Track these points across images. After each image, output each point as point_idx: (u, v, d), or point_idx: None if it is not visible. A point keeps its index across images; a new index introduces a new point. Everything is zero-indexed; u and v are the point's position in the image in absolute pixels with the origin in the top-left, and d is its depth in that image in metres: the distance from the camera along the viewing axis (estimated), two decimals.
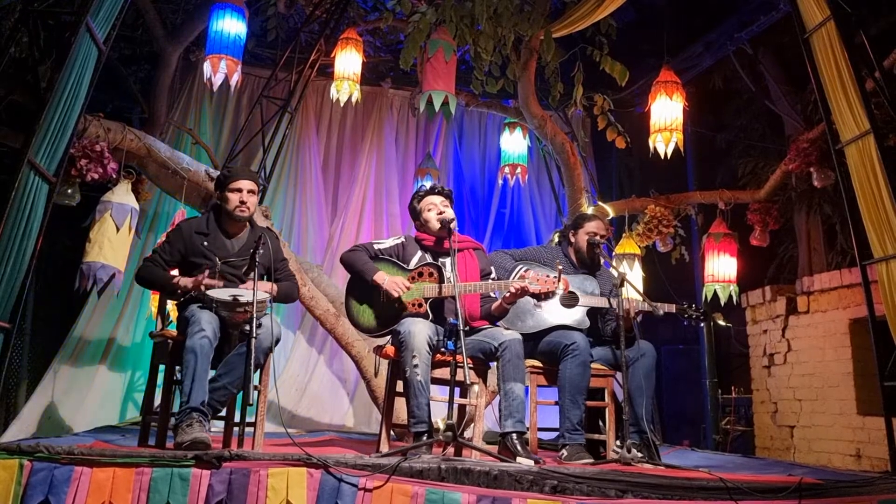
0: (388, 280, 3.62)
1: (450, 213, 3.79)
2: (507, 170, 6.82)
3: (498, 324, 3.81)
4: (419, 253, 3.81)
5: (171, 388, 3.45)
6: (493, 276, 3.89)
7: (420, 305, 3.63)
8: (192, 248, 3.55)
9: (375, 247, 3.80)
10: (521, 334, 3.69)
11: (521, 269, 3.88)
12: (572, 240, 4.21)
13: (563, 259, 4.18)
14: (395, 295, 3.58)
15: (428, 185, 4.54)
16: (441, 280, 3.64)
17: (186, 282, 3.46)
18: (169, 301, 3.67)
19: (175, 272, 3.59)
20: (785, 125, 6.85)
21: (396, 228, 7.29)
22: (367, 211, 7.36)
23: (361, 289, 3.71)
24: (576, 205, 6.02)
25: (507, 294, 3.60)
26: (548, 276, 3.52)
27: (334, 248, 7.04)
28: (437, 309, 3.70)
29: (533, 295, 3.55)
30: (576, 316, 4.01)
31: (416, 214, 3.89)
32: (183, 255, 3.57)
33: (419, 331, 3.41)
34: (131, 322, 6.36)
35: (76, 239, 5.25)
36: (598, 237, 4.13)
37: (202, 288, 3.38)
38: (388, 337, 3.70)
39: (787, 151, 5.78)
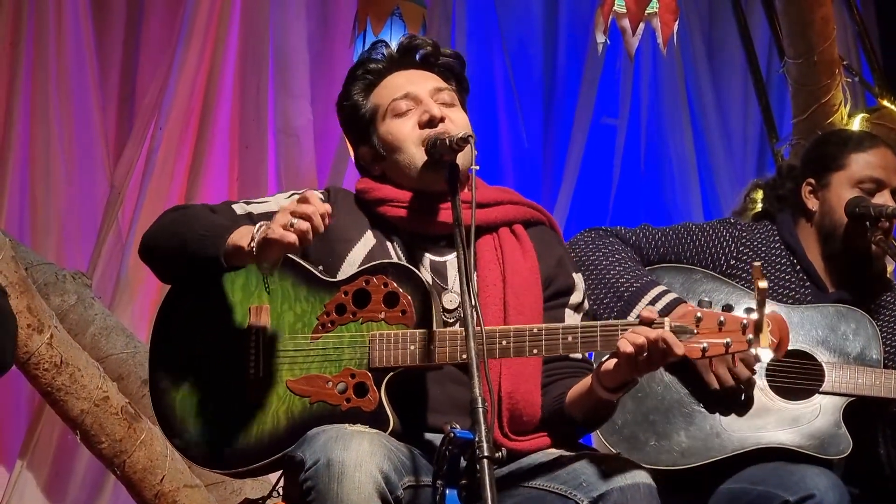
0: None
1: (459, 117, 2.56)
2: (616, 8, 4.87)
3: (592, 438, 2.87)
4: (367, 234, 2.62)
5: None
6: (576, 300, 2.73)
7: (364, 390, 2.44)
8: None
9: (242, 209, 2.57)
10: (660, 470, 2.73)
11: (656, 294, 2.89)
12: (811, 202, 3.11)
13: (776, 259, 3.14)
14: None
15: (394, 44, 3.12)
16: (424, 315, 2.45)
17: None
18: None
19: None
20: None
21: (307, 174, 4.90)
22: (216, 122, 4.65)
23: (199, 325, 2.49)
24: (819, 109, 4.49)
25: (613, 364, 2.41)
26: (723, 316, 2.34)
27: (125, 228, 4.43)
28: (415, 396, 2.51)
29: (691, 365, 2.73)
30: (814, 422, 3.01)
31: (360, 128, 2.63)
32: None
33: (357, 462, 2.29)
34: None
35: None
36: (882, 199, 3.03)
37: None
38: (273, 474, 2.54)
39: None
